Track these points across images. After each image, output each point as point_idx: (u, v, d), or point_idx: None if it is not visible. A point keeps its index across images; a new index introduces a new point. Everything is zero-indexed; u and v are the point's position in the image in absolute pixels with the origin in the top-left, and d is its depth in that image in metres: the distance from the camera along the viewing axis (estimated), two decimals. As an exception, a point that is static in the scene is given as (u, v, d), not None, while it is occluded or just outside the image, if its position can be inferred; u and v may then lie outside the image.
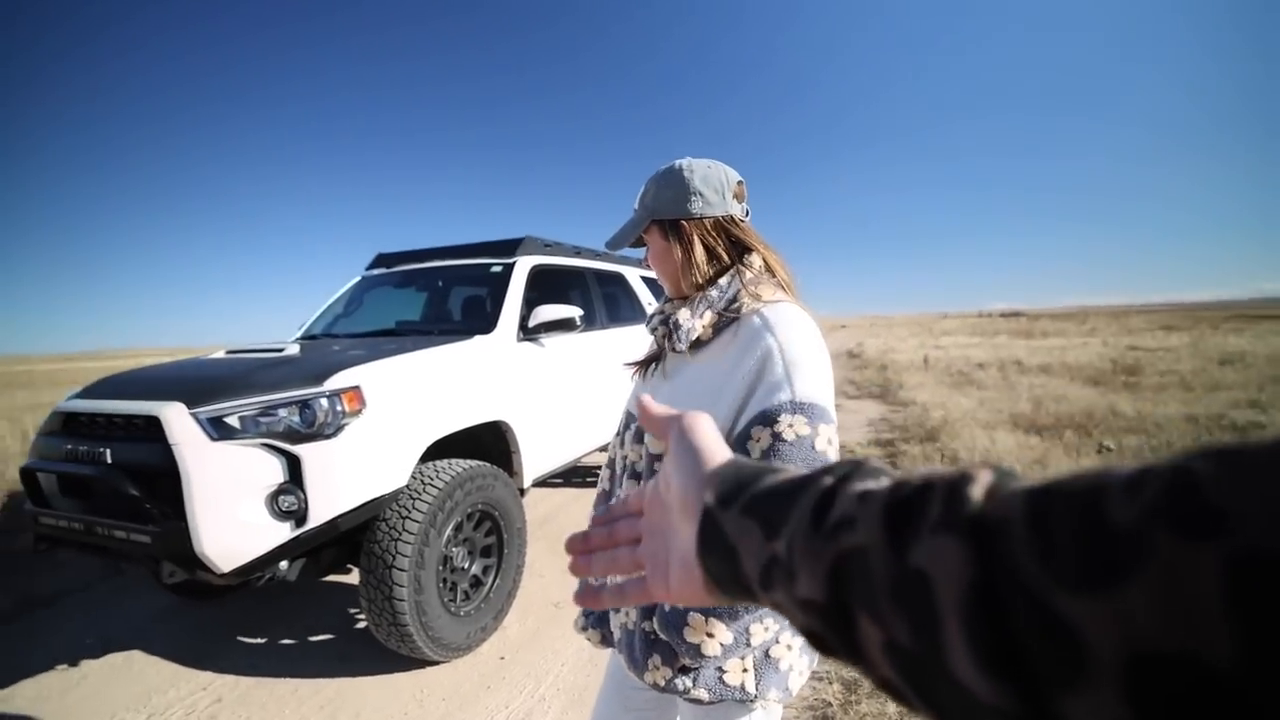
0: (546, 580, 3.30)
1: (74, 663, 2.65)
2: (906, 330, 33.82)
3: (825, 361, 0.89)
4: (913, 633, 0.23)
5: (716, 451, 0.39)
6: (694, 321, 0.94)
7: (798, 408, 0.81)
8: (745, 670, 0.91)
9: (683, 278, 0.99)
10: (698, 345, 0.94)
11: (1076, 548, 0.18)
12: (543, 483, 3.75)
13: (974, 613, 0.21)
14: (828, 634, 0.28)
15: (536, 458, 3.26)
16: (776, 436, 0.80)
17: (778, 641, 0.92)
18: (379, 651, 2.56)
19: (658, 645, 0.90)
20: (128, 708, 2.32)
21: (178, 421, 2.09)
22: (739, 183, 1.00)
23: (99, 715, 2.29)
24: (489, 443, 3.07)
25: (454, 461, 2.63)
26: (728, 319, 0.93)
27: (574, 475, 5.31)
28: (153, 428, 2.12)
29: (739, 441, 0.84)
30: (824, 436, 0.81)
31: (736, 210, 0.99)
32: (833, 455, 0.83)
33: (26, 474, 2.39)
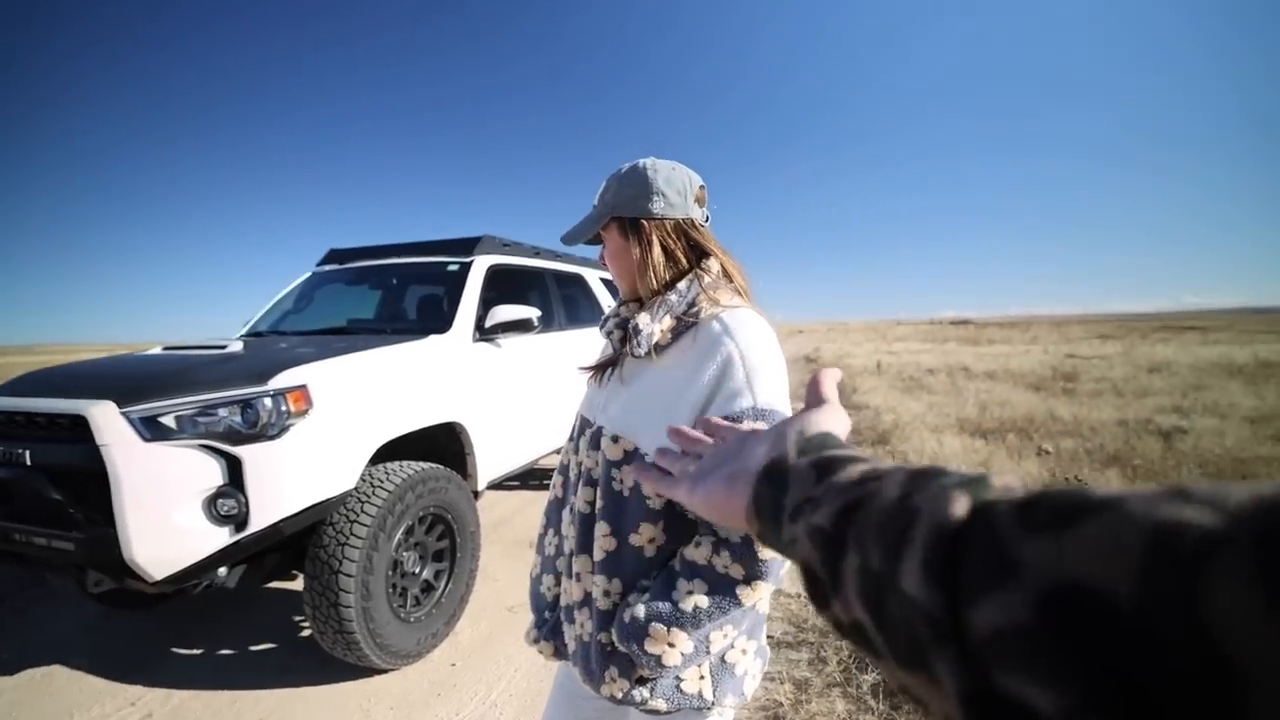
0: (500, 585, 3.25)
1: (-13, 679, 2.48)
2: (862, 335, 34.71)
3: (782, 368, 0.90)
4: (883, 556, 0.27)
5: (824, 417, 0.47)
6: (654, 326, 0.92)
7: (759, 414, 0.82)
8: (702, 678, 0.91)
9: (639, 278, 0.98)
10: (656, 350, 0.93)
11: (1051, 507, 0.22)
12: (498, 485, 3.70)
13: (938, 540, 0.25)
14: (820, 561, 0.32)
15: (491, 460, 3.21)
16: None
17: (733, 647, 0.93)
18: (324, 660, 2.47)
19: (615, 657, 0.89)
20: (47, 726, 2.18)
21: (107, 421, 1.97)
22: (701, 187, 1.01)
23: (14, 735, 2.14)
24: (443, 444, 3.00)
25: (405, 464, 2.56)
26: (686, 324, 0.92)
27: (530, 478, 5.26)
28: (79, 427, 2.00)
29: None
30: None
31: (697, 214, 0.99)
32: None
33: (-64, 477, 2.22)
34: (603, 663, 0.90)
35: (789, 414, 0.84)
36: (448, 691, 2.34)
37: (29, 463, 2.04)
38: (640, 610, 0.84)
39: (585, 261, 5.12)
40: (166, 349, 2.90)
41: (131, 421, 1.99)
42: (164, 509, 1.95)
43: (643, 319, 0.93)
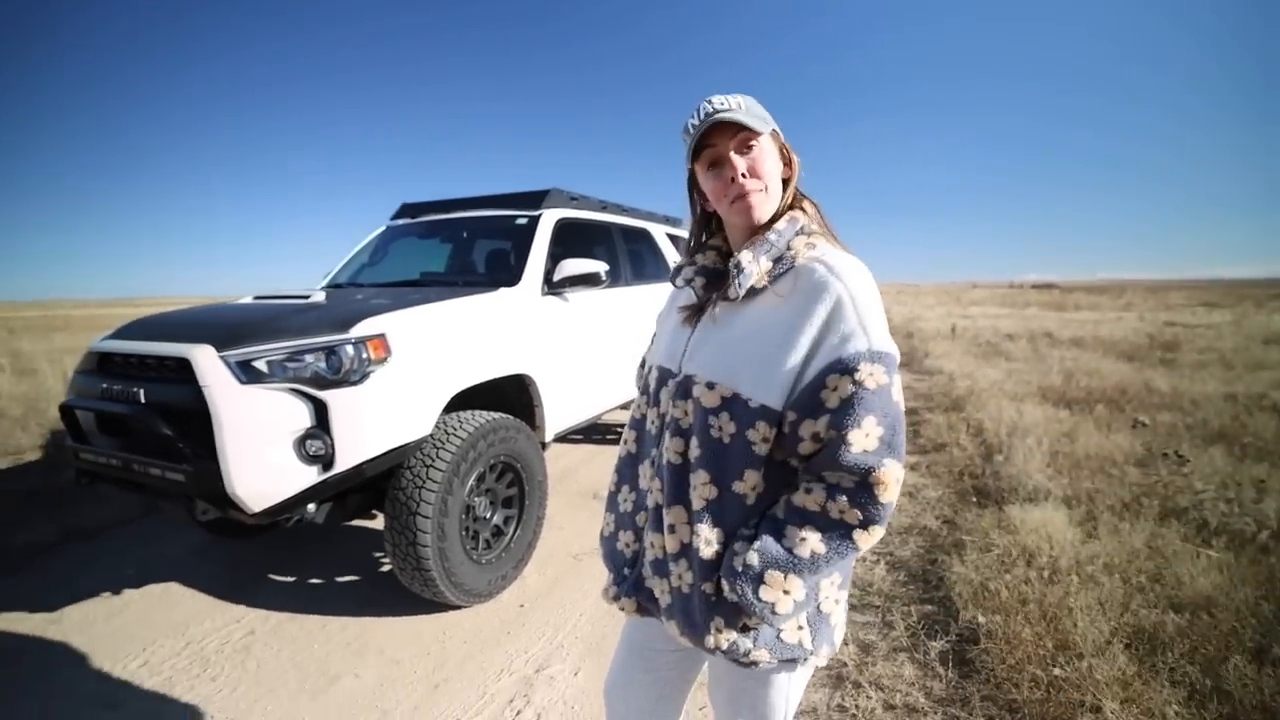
0: (566, 533, 3.34)
1: (117, 591, 2.78)
2: (934, 299, 33.10)
3: (884, 312, 0.88)
4: None
5: None
6: (754, 266, 0.89)
7: (876, 356, 0.81)
8: (800, 628, 0.91)
9: (769, 201, 0.93)
10: (751, 293, 0.90)
11: None
12: (563, 438, 3.77)
13: None
14: None
15: (559, 412, 3.27)
16: (859, 385, 0.80)
17: (828, 597, 0.93)
18: (402, 595, 2.63)
19: (720, 607, 0.88)
20: (167, 635, 2.43)
21: (208, 363, 2.10)
22: None
23: (140, 640, 2.39)
24: (512, 396, 3.07)
25: (477, 413, 2.64)
26: (784, 265, 0.89)
27: (594, 432, 5.35)
28: (184, 369, 2.14)
29: (810, 390, 0.83)
30: (897, 386, 0.84)
31: None
32: (902, 405, 0.84)
33: (65, 411, 2.45)
34: (707, 613, 0.89)
35: (897, 356, 0.84)
36: (516, 630, 2.45)
37: (143, 400, 2.20)
38: (754, 557, 0.84)
39: (652, 216, 5.04)
40: (257, 298, 3.06)
41: (229, 364, 2.12)
42: (259, 447, 2.07)
43: (745, 258, 0.89)
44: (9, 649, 2.36)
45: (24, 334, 15.80)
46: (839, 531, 0.82)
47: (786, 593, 0.83)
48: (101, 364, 2.45)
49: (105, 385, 2.31)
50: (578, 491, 4.00)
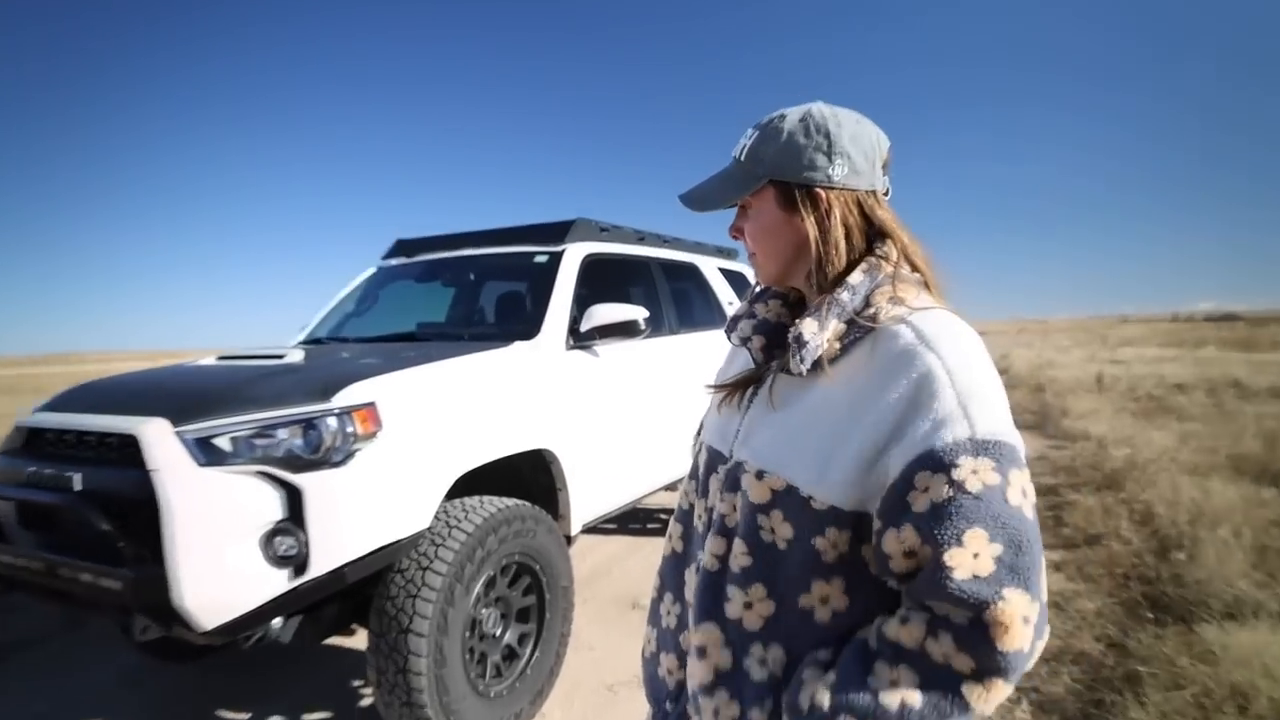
0: (597, 654, 3.28)
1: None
2: (1068, 338, 32.33)
3: (1000, 386, 0.84)
4: None
5: None
6: (822, 335, 0.88)
7: (983, 447, 0.77)
8: None
9: (814, 267, 0.93)
10: (818, 364, 0.89)
11: None
12: (593, 528, 3.74)
13: None
14: None
15: (588, 497, 3.27)
16: (957, 486, 0.75)
17: None
18: (388, 738, 2.59)
19: None
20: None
21: (159, 442, 2.17)
22: (889, 149, 0.97)
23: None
24: (529, 477, 3.09)
25: (487, 500, 2.65)
26: (861, 329, 0.87)
27: (632, 520, 5.30)
28: (129, 448, 2.22)
29: (896, 492, 0.79)
30: (1017, 486, 0.77)
31: (881, 185, 0.96)
32: (1029, 512, 0.78)
33: (-20, 501, 2.55)
34: None
35: (1021, 447, 0.80)
36: (536, 791, 2.38)
37: (78, 488, 2.28)
38: (824, 697, 0.80)
39: (700, 248, 5.10)
40: (221, 358, 3.18)
41: (185, 443, 2.19)
42: (217, 547, 2.11)
43: (808, 327, 0.88)
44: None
45: (-62, 401, 16.70)
46: (944, 681, 0.77)
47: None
48: (29, 441, 2.56)
49: (33, 469, 2.40)
50: (611, 598, 3.95)
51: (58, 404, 2.65)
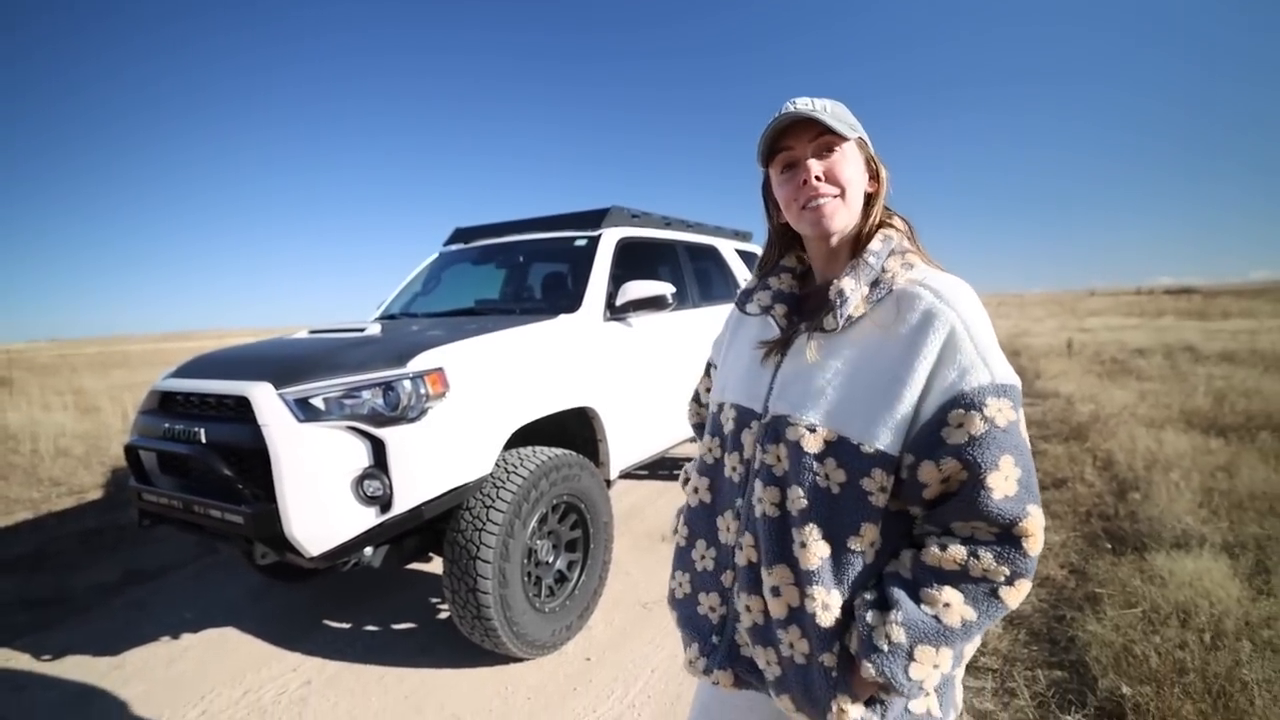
0: (633, 579, 3.33)
1: (176, 635, 2.96)
2: (1043, 309, 31.51)
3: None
4: None
5: None
6: (858, 292, 0.89)
7: (1001, 390, 0.81)
8: (927, 694, 0.88)
9: (842, 215, 0.93)
10: (848, 323, 0.89)
11: None
12: (628, 474, 3.79)
13: None
14: None
15: (624, 447, 3.29)
16: (989, 422, 0.79)
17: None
18: (460, 645, 2.68)
19: (844, 682, 0.85)
20: (225, 683, 2.56)
21: (266, 402, 2.24)
22: None
23: (199, 689, 2.54)
24: (574, 430, 3.12)
25: (539, 449, 2.69)
26: (881, 292, 0.88)
27: (660, 468, 5.33)
28: (243, 408, 2.29)
29: (930, 428, 0.82)
30: (1023, 422, 0.83)
31: None
32: (1028, 443, 0.83)
33: (130, 451, 2.66)
34: (829, 689, 0.85)
35: (1020, 388, 0.84)
36: (583, 687, 2.45)
37: (204, 440, 2.37)
38: (900, 633, 0.80)
39: (719, 231, 5.06)
40: (312, 332, 3.25)
41: (287, 402, 2.25)
42: (318, 488, 2.18)
43: (847, 284, 0.88)
44: (79, 695, 2.54)
45: (85, 371, 17.32)
46: (985, 591, 0.80)
47: (936, 667, 0.81)
48: (163, 403, 2.66)
49: (167, 425, 2.50)
50: (644, 533, 4.00)
51: (183, 371, 2.73)
